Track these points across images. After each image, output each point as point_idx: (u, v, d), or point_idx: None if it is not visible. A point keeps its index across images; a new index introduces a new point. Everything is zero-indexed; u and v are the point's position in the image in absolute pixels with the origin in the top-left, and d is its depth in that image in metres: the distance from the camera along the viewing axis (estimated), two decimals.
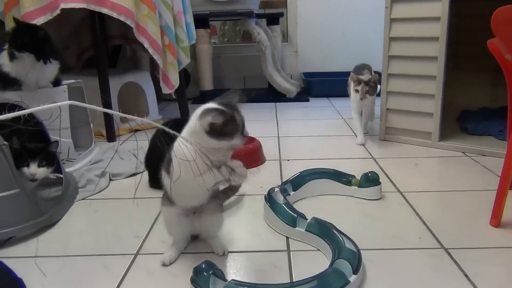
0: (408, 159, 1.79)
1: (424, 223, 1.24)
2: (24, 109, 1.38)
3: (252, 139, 1.84)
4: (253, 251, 1.13)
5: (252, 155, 1.77)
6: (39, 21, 1.85)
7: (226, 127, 0.92)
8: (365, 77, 1.96)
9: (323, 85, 3.19)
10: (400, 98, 1.98)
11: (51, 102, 1.62)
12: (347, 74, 3.26)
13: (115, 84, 2.20)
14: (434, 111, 1.88)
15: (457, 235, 1.17)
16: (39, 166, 1.32)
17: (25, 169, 1.30)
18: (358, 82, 1.95)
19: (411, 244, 1.13)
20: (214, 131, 0.91)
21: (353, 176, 1.44)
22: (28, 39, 1.48)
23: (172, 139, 1.43)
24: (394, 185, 1.51)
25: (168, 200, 1.05)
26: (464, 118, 2.13)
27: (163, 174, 1.02)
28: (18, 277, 0.78)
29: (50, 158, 1.35)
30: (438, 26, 1.78)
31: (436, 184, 1.56)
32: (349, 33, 3.40)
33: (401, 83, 1.96)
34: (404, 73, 1.94)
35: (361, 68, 2.11)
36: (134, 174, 1.67)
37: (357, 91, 1.95)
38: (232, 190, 1.38)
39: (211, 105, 0.94)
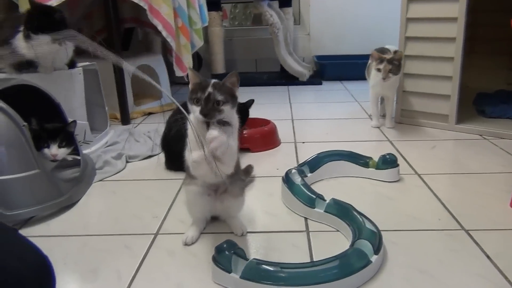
0: (424, 142, 1.77)
1: (443, 204, 1.23)
2: (42, 91, 1.39)
3: (267, 122, 1.84)
4: (272, 231, 1.13)
5: (268, 137, 1.76)
6: (52, 3, 1.84)
7: (193, 87, 0.94)
8: (388, 55, 1.82)
9: (336, 68, 3.16)
10: (416, 80, 1.95)
11: (66, 84, 1.63)
12: (360, 57, 3.25)
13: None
14: (451, 93, 1.85)
15: (476, 216, 1.16)
16: (59, 147, 1.33)
17: (46, 150, 1.31)
18: (381, 60, 1.79)
19: (430, 226, 1.12)
20: (190, 90, 0.95)
21: (370, 158, 1.44)
22: (44, 20, 1.47)
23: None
24: (412, 167, 1.50)
25: (190, 178, 1.05)
26: (481, 101, 2.10)
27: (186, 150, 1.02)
28: (44, 254, 0.79)
29: (69, 138, 1.36)
30: (457, 6, 1.75)
31: (454, 167, 1.55)
32: (363, 14, 3.35)
33: (417, 65, 1.93)
34: (421, 55, 1.91)
35: (382, 52, 1.94)
36: (150, 156, 1.67)
37: (379, 69, 1.79)
38: (246, 173, 1.38)
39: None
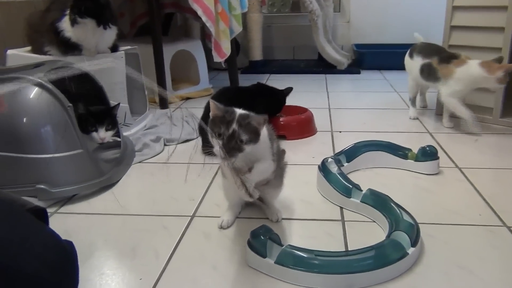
0: (466, 135, 1.72)
1: (484, 200, 1.19)
2: (86, 74, 1.43)
3: (304, 109, 1.83)
4: (307, 219, 1.13)
5: (304, 125, 1.75)
6: None
7: (213, 123, 0.90)
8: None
9: (375, 57, 3.09)
10: None
11: (109, 67, 1.67)
12: (401, 46, 3.16)
13: (168, 51, 2.22)
14: None
15: None
16: (106, 130, 1.37)
17: (94, 134, 1.37)
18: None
19: (470, 221, 1.09)
20: (211, 119, 0.91)
21: (409, 150, 1.41)
22: (90, 4, 1.51)
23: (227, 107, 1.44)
24: (452, 161, 1.46)
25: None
26: None
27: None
28: (67, 244, 0.81)
29: (113, 121, 1.40)
30: None
31: (496, 161, 1.49)
32: (405, 2, 3.25)
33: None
34: (466, 45, 1.84)
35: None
36: (187, 140, 1.70)
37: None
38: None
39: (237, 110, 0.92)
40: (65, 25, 1.57)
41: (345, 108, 2.16)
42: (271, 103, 1.69)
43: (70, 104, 1.26)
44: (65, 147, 1.25)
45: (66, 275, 0.79)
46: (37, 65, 1.38)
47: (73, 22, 1.54)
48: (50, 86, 1.24)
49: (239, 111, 0.91)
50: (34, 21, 1.71)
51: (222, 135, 0.88)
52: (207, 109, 1.56)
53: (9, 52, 1.71)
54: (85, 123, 1.36)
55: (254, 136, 0.90)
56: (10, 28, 2.05)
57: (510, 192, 1.25)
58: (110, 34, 1.64)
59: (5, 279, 0.66)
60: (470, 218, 1.11)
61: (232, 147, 0.87)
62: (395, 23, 3.28)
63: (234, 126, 0.87)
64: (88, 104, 1.41)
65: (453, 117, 1.80)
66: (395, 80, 2.72)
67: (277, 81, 2.74)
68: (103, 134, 1.38)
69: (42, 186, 1.20)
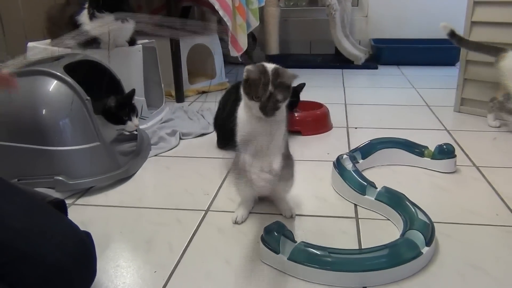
0: (485, 133, 1.69)
1: (502, 199, 1.18)
2: (104, 67, 1.45)
3: (319, 105, 1.82)
4: (321, 215, 1.13)
5: (319, 121, 1.75)
6: None
7: (252, 84, 0.91)
8: None
9: (393, 52, 3.06)
10: (480, 67, 1.86)
11: (126, 61, 1.69)
12: (420, 41, 3.13)
13: (185, 45, 2.23)
14: None
15: None
16: (136, 117, 1.44)
17: (130, 123, 1.43)
18: None
19: (487, 220, 1.08)
20: (245, 83, 0.93)
21: (426, 147, 1.39)
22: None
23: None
24: (470, 159, 1.44)
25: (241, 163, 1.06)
26: None
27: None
28: (85, 235, 0.83)
29: (135, 107, 1.46)
30: None
31: None
32: None
33: None
34: (487, 41, 1.81)
35: None
36: (202, 135, 1.71)
37: None
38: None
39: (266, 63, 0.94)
40: (83, 18, 1.59)
41: (361, 104, 2.15)
42: None
43: (88, 98, 1.27)
44: (83, 139, 1.27)
45: (85, 265, 0.80)
46: (57, 58, 1.41)
47: (92, 16, 1.55)
48: (69, 79, 1.26)
49: (270, 69, 0.93)
50: (54, 14, 1.73)
51: (261, 97, 0.90)
52: (222, 103, 1.56)
53: (30, 44, 1.73)
54: (119, 113, 1.41)
55: (287, 93, 0.93)
56: (31, 20, 2.08)
57: None
58: (128, 27, 1.65)
59: (28, 267, 0.69)
60: (487, 218, 1.09)
61: (270, 108, 0.91)
62: (414, 17, 3.23)
63: (270, 88, 0.90)
64: (106, 97, 1.43)
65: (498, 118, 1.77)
66: (413, 76, 2.68)
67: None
68: (137, 121, 1.45)
69: (60, 178, 1.22)
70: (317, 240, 1.00)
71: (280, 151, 0.99)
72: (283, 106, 0.95)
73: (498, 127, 1.74)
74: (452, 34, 1.77)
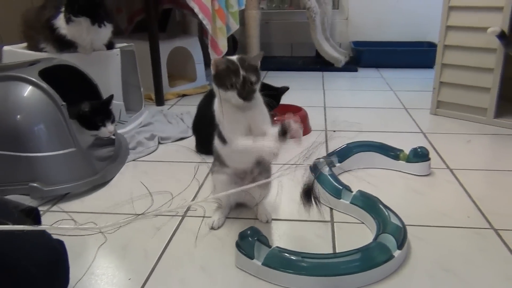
0: (460, 135, 1.73)
1: (473, 202, 1.20)
2: (81, 72, 1.43)
3: (298, 109, 1.83)
4: (297, 220, 1.14)
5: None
6: None
7: (223, 75, 0.92)
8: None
9: (373, 55, 3.09)
10: (455, 71, 1.89)
11: (104, 65, 1.68)
12: (399, 44, 3.17)
13: (165, 48, 2.23)
14: (492, 86, 1.79)
15: (508, 216, 1.13)
16: (112, 123, 1.42)
17: (103, 129, 1.41)
18: None
19: (459, 223, 1.10)
20: (216, 77, 0.94)
21: (401, 151, 1.41)
22: (84, 3, 1.51)
23: None
24: (444, 162, 1.46)
25: (219, 166, 1.07)
26: None
27: (215, 137, 1.04)
28: (60, 240, 0.82)
29: (112, 113, 1.43)
30: None
31: (488, 163, 1.50)
32: (403, 0, 3.24)
33: (457, 56, 1.87)
34: (462, 45, 1.85)
35: None
36: (181, 139, 1.71)
37: None
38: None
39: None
40: (60, 22, 1.57)
41: (340, 107, 2.17)
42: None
43: (64, 103, 1.26)
44: (58, 145, 1.25)
45: (56, 274, 0.80)
46: (32, 63, 1.39)
47: (68, 20, 1.54)
48: (44, 84, 1.25)
49: (235, 58, 0.94)
50: (30, 18, 1.71)
51: (234, 84, 0.92)
52: (200, 107, 1.57)
53: (5, 48, 1.71)
54: (93, 119, 1.39)
55: (259, 74, 0.95)
56: (6, 24, 2.05)
57: (499, 194, 1.26)
58: (105, 31, 1.64)
59: None
60: (458, 220, 1.12)
61: (248, 91, 0.92)
62: (393, 21, 3.27)
63: (242, 72, 0.91)
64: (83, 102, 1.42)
65: None
66: (392, 79, 2.72)
67: (275, 78, 2.73)
68: (111, 128, 1.43)
69: (35, 185, 1.21)
70: (292, 244, 1.02)
71: (269, 124, 0.99)
72: (257, 89, 0.96)
73: None
74: (502, 35, 1.68)
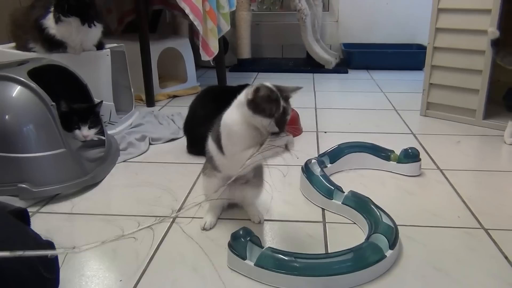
0: (449, 136, 1.74)
1: (463, 202, 1.21)
2: (70, 72, 1.42)
3: None
4: (289, 220, 1.14)
5: (289, 126, 1.75)
6: None
7: (264, 102, 0.90)
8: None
9: (363, 57, 3.11)
10: (445, 72, 1.91)
11: (94, 65, 1.66)
12: (389, 46, 3.20)
13: (155, 49, 2.22)
14: (481, 87, 1.81)
15: (497, 216, 1.14)
16: (89, 128, 1.37)
17: (77, 132, 1.37)
18: None
19: (449, 223, 1.11)
20: (253, 102, 0.91)
21: (392, 151, 1.42)
22: (73, 3, 1.49)
23: (212, 106, 1.44)
24: (434, 162, 1.47)
25: (210, 170, 1.06)
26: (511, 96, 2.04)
27: (210, 143, 1.03)
28: (49, 241, 0.81)
29: (96, 119, 1.40)
30: None
31: (478, 163, 1.52)
32: (393, 2, 3.27)
33: (447, 57, 1.89)
34: (451, 47, 1.87)
35: None
36: (173, 140, 1.70)
37: None
38: None
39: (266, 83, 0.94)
40: (49, 22, 1.56)
41: (331, 108, 2.18)
42: None
43: (53, 103, 1.25)
44: (48, 146, 1.24)
45: (46, 276, 0.79)
46: (21, 63, 1.38)
47: (57, 20, 1.52)
48: (33, 84, 1.23)
49: (273, 86, 0.93)
50: (18, 18, 1.69)
51: (273, 114, 0.90)
52: (192, 108, 1.56)
53: None
54: (68, 120, 1.35)
55: (290, 106, 0.94)
56: None
57: (489, 194, 1.27)
58: (95, 32, 1.62)
59: None
60: (449, 220, 1.12)
61: (284, 122, 0.92)
62: (383, 23, 3.30)
63: (282, 103, 0.91)
64: (72, 103, 1.40)
65: None
66: (382, 80, 2.74)
67: (266, 80, 2.72)
68: (86, 132, 1.38)
69: (24, 186, 1.19)
70: (284, 245, 1.02)
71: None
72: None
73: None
74: (496, 42, 1.67)
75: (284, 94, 0.92)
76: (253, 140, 0.93)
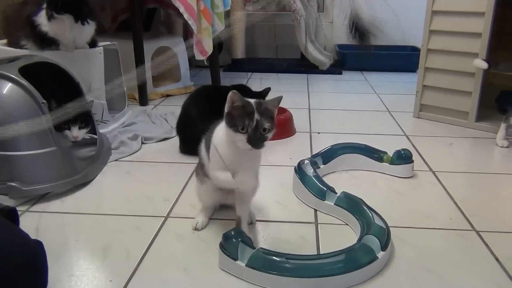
0: (442, 138, 1.75)
1: (455, 204, 1.22)
2: (62, 69, 1.41)
3: (283, 110, 1.83)
4: (281, 221, 1.14)
5: (283, 126, 1.76)
6: None
7: (237, 115, 0.87)
8: None
9: (357, 58, 3.12)
10: (438, 75, 1.92)
11: (87, 63, 1.65)
12: (383, 47, 3.20)
13: (149, 48, 2.20)
14: (473, 90, 1.81)
15: (489, 218, 1.14)
16: (79, 128, 1.36)
17: (67, 132, 1.35)
18: None
19: (441, 224, 1.11)
20: (229, 115, 0.89)
21: (385, 153, 1.42)
22: (67, 0, 1.48)
23: (205, 106, 1.44)
24: (427, 164, 1.48)
25: (203, 176, 1.05)
26: (504, 99, 2.05)
27: (202, 149, 1.02)
28: (36, 244, 0.80)
29: (87, 118, 1.38)
30: (485, 0, 1.70)
31: (470, 165, 1.52)
32: (389, 4, 3.27)
33: (440, 60, 1.90)
34: (444, 49, 1.87)
35: None
36: (165, 139, 1.69)
37: None
38: None
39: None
40: (41, 19, 1.54)
41: (325, 109, 2.18)
42: None
43: (44, 101, 1.24)
44: (38, 144, 1.23)
45: (34, 275, 0.78)
46: (12, 60, 1.36)
47: (50, 18, 1.51)
48: (24, 81, 1.22)
49: (252, 100, 0.90)
50: (10, 14, 1.67)
51: (246, 128, 0.87)
52: (185, 108, 1.55)
53: None
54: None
55: (272, 122, 0.89)
56: None
57: (481, 196, 1.28)
58: (88, 29, 1.61)
59: None
60: (441, 222, 1.12)
61: (258, 138, 0.87)
62: (378, 24, 3.30)
63: (256, 116, 0.86)
64: (64, 101, 1.39)
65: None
66: (376, 82, 2.74)
67: (259, 80, 2.73)
68: (76, 133, 1.36)
69: (14, 184, 1.18)
70: (276, 246, 1.01)
71: (255, 179, 1.00)
72: (268, 138, 0.90)
73: (507, 147, 1.65)
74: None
75: (262, 107, 0.88)
76: (232, 164, 0.92)
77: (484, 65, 1.68)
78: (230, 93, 0.88)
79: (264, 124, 0.87)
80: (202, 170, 1.04)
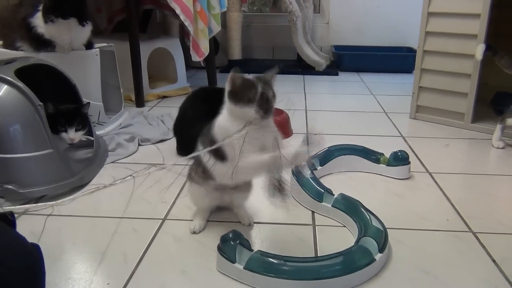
0: (438, 139, 1.75)
1: (452, 205, 1.22)
2: (59, 71, 1.40)
3: (280, 112, 1.83)
4: (279, 223, 1.14)
5: (280, 128, 1.74)
6: None
7: (241, 90, 0.91)
8: None
9: (354, 59, 3.12)
10: (434, 76, 1.93)
11: (83, 65, 1.64)
12: (379, 48, 3.21)
13: (145, 49, 2.20)
14: (469, 91, 1.82)
15: (486, 219, 1.15)
16: (76, 130, 1.35)
17: (64, 135, 1.34)
18: None
19: (438, 226, 1.11)
20: (232, 93, 0.92)
21: (382, 154, 1.43)
22: (71, 4, 1.48)
23: (203, 108, 1.44)
24: (423, 165, 1.48)
25: (198, 177, 1.05)
26: (499, 100, 2.06)
27: (201, 149, 1.01)
28: (35, 244, 0.80)
29: (84, 120, 1.38)
30: (481, 2, 1.71)
31: (466, 166, 1.53)
32: (384, 5, 3.29)
33: (436, 61, 1.90)
34: (440, 51, 1.88)
35: None
36: (162, 141, 1.69)
37: None
38: None
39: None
40: (37, 21, 1.54)
41: (321, 110, 2.18)
42: None
43: (41, 103, 1.23)
44: (35, 146, 1.22)
45: (31, 279, 0.78)
46: (8, 62, 1.35)
47: (47, 20, 1.50)
48: (20, 84, 1.22)
49: (248, 75, 0.93)
50: (6, 16, 1.67)
51: (251, 100, 0.90)
52: (182, 109, 1.55)
53: None
54: (55, 122, 1.32)
55: (273, 91, 0.94)
56: None
57: (477, 197, 1.28)
58: (85, 31, 1.61)
59: None
60: (437, 223, 1.13)
61: (267, 107, 0.91)
62: (374, 25, 3.31)
63: (259, 87, 0.90)
64: (60, 103, 1.38)
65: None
66: (372, 83, 2.75)
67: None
68: (73, 135, 1.36)
69: (10, 187, 1.17)
70: (274, 248, 1.01)
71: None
72: (274, 106, 0.94)
73: (502, 148, 1.66)
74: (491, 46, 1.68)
75: (261, 80, 0.92)
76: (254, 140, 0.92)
77: (482, 47, 1.66)
78: (230, 73, 0.91)
79: (268, 92, 0.91)
80: (200, 170, 1.04)
